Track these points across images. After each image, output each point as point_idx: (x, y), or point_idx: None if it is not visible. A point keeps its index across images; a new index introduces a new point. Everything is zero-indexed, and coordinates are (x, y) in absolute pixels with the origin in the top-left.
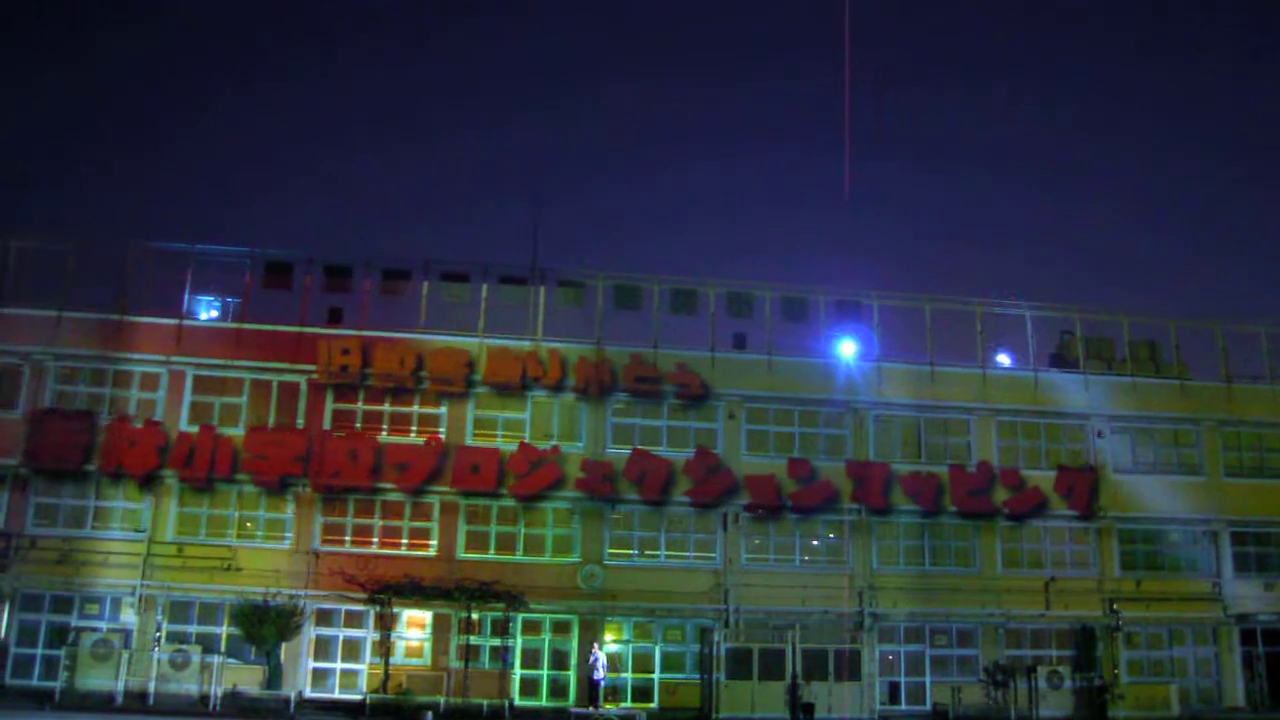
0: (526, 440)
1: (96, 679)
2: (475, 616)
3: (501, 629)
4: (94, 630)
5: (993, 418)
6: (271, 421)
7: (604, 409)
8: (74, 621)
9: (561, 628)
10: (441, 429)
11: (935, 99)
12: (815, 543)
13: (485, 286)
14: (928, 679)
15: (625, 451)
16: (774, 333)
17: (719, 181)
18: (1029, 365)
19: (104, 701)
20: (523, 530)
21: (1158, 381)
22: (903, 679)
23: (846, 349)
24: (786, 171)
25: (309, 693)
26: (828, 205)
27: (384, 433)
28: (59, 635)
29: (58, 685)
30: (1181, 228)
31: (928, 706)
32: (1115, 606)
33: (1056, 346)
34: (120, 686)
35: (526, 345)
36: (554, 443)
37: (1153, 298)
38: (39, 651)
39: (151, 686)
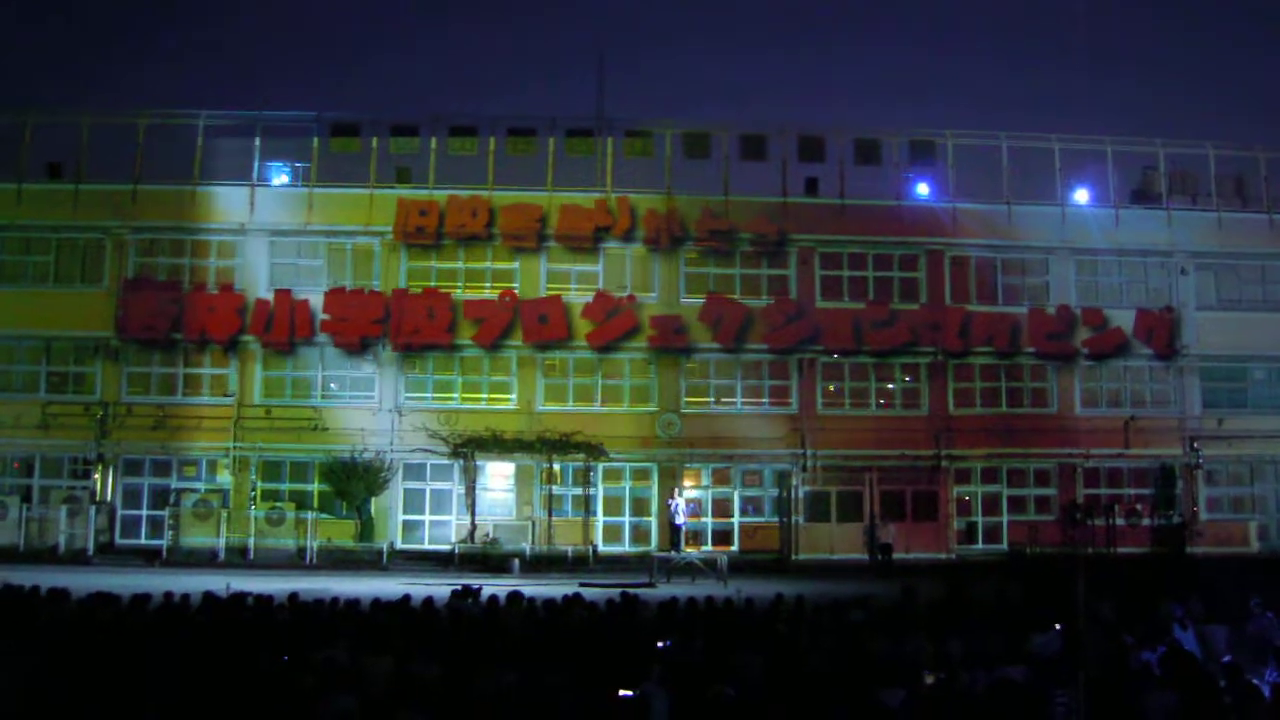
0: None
1: (199, 537)
2: (557, 467)
3: (583, 478)
4: (193, 491)
5: (1071, 257)
6: (349, 283)
7: (676, 259)
8: (173, 484)
9: (641, 475)
10: (515, 284)
11: None
12: (891, 386)
13: (552, 140)
14: (1004, 518)
15: (699, 301)
16: (846, 176)
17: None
18: (1109, 202)
19: (207, 557)
20: (600, 381)
21: (1244, 215)
22: (979, 519)
23: (921, 190)
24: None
25: (400, 544)
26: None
27: (459, 290)
28: (161, 497)
29: (163, 543)
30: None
31: (1004, 545)
32: (1195, 444)
33: (1138, 182)
34: (221, 543)
35: (596, 198)
36: (628, 292)
37: (1242, 128)
38: (143, 512)
39: (250, 542)
